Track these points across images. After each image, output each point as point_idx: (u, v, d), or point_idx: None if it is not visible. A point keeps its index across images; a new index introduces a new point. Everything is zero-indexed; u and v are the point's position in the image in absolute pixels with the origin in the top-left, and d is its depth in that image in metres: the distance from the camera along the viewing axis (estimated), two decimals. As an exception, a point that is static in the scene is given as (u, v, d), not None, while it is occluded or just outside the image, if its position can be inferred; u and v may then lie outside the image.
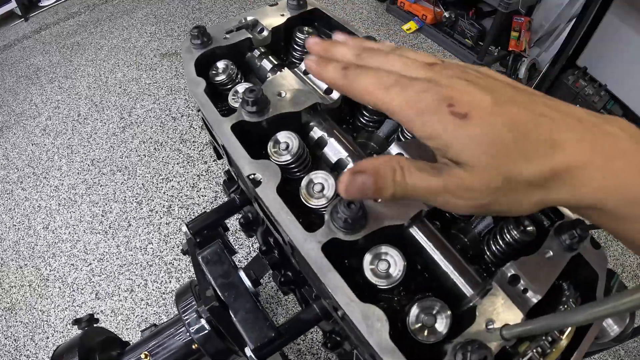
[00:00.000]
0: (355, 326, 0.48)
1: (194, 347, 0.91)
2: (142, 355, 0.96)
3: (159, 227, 2.67)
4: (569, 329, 0.52)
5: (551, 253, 0.55)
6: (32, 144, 3.18)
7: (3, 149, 3.17)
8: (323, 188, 0.59)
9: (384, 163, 0.42)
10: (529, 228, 0.60)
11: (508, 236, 0.59)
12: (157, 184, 2.89)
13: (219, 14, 4.20)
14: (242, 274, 0.77)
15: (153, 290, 2.43)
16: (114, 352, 1.06)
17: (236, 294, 0.75)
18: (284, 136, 0.63)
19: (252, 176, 0.58)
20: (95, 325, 1.16)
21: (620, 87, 3.30)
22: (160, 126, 3.23)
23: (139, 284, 2.46)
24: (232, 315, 0.74)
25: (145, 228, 2.68)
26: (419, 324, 0.51)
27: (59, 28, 4.21)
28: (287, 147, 0.62)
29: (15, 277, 2.55)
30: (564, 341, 0.51)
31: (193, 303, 0.88)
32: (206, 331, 0.84)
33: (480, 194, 0.39)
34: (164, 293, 2.41)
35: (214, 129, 0.64)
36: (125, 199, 2.82)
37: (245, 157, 0.60)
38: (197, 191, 2.84)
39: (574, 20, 3.24)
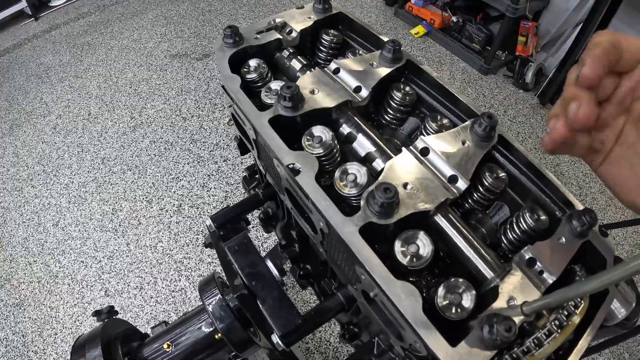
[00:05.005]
0: (389, 304, 0.52)
1: (216, 336, 0.94)
2: (165, 345, 0.99)
3: (169, 226, 2.70)
4: (582, 305, 0.56)
5: (564, 239, 0.60)
6: (43, 142, 3.22)
7: (13, 147, 3.21)
8: (356, 178, 0.63)
9: None
10: (542, 217, 0.64)
11: (524, 225, 0.64)
12: (167, 183, 2.92)
13: (228, 16, 4.24)
14: (269, 263, 0.80)
15: (162, 288, 2.45)
16: (134, 343, 1.09)
17: (264, 283, 0.78)
18: (318, 130, 0.67)
19: (292, 165, 0.61)
20: (114, 317, 1.19)
21: (627, 92, 3.33)
22: (170, 126, 3.27)
23: (148, 281, 2.48)
24: (260, 304, 0.78)
25: (155, 226, 2.71)
26: (447, 302, 0.56)
27: (69, 28, 4.25)
28: (321, 140, 0.66)
29: (25, 274, 2.57)
30: (577, 316, 0.56)
31: (217, 293, 0.91)
32: (230, 320, 0.87)
33: None
34: (173, 291, 2.44)
35: (253, 122, 0.67)
36: (135, 198, 2.85)
37: (284, 148, 0.64)
38: (208, 190, 2.87)
39: (581, 25, 3.28)
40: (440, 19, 4.02)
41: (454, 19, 3.97)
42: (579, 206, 0.65)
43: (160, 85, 3.57)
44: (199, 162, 3.03)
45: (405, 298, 0.51)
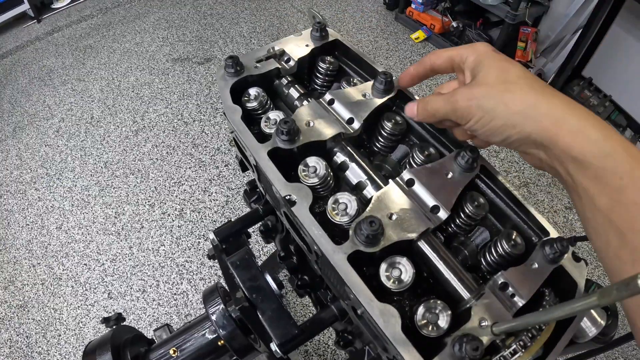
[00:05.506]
0: (373, 321, 0.58)
1: (219, 343, 1.00)
2: (171, 351, 1.05)
3: (171, 230, 2.76)
4: (546, 328, 0.62)
5: (536, 265, 0.66)
6: (46, 145, 3.27)
7: (16, 149, 3.26)
8: (347, 207, 0.69)
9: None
10: (518, 243, 0.70)
11: (500, 249, 0.69)
12: (169, 187, 2.98)
13: (230, 20, 4.29)
14: (268, 278, 0.87)
15: (165, 291, 2.51)
16: (142, 348, 1.15)
17: (263, 296, 0.85)
18: (312, 161, 0.73)
19: (288, 197, 0.67)
20: (122, 323, 1.25)
21: (625, 98, 3.37)
22: (172, 130, 3.32)
23: (150, 284, 2.54)
24: (260, 315, 0.84)
25: (157, 230, 2.76)
26: (425, 321, 0.62)
27: (71, 30, 4.29)
28: (315, 170, 0.72)
29: (28, 276, 2.63)
30: (542, 337, 0.62)
31: (220, 303, 0.97)
32: (233, 328, 0.93)
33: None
34: (175, 294, 2.49)
35: (252, 154, 0.73)
36: (137, 202, 2.91)
37: (282, 180, 0.69)
38: (209, 195, 2.92)
39: (580, 31, 3.32)
40: (440, 24, 4.06)
41: (454, 24, 4.01)
42: (554, 233, 0.70)
43: (162, 89, 3.62)
44: (200, 166, 3.08)
45: (386, 319, 0.57)
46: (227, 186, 2.96)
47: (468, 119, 0.62)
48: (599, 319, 0.77)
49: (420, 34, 4.14)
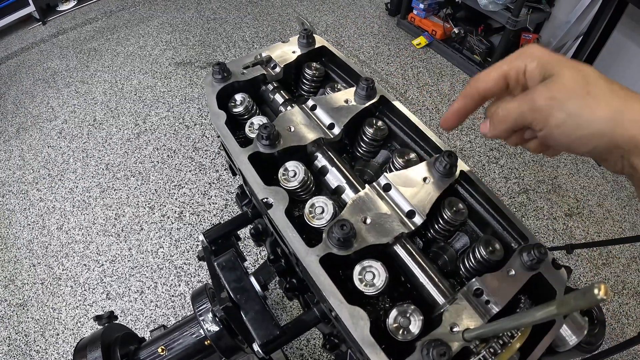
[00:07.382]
0: (344, 324, 0.59)
1: (206, 343, 1.02)
2: (159, 350, 1.07)
3: (170, 232, 2.77)
4: (519, 335, 0.63)
5: (513, 271, 0.66)
6: (48, 146, 3.29)
7: (19, 150, 3.28)
8: (323, 211, 0.70)
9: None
10: (496, 250, 0.70)
11: (478, 256, 0.70)
12: (170, 190, 2.99)
13: (233, 25, 4.32)
14: (252, 280, 0.88)
15: (162, 292, 2.52)
16: (132, 346, 1.17)
17: (247, 297, 0.86)
18: (292, 165, 0.75)
19: (265, 200, 0.69)
20: (114, 322, 1.27)
21: (627, 104, 3.36)
22: (173, 134, 3.34)
23: (149, 286, 2.55)
24: (243, 315, 0.86)
25: (156, 232, 2.78)
26: (396, 325, 0.63)
27: (76, 33, 4.32)
28: (295, 174, 0.74)
29: (28, 275, 2.64)
30: (513, 345, 0.62)
31: (207, 304, 0.98)
32: (219, 329, 0.94)
33: None
34: (173, 295, 2.50)
35: (233, 158, 0.75)
36: (138, 204, 2.92)
37: (260, 183, 0.71)
38: (208, 198, 2.94)
39: (582, 37, 3.33)
40: (442, 30, 4.08)
41: (456, 30, 4.02)
42: (533, 240, 0.71)
43: (164, 92, 3.65)
44: (200, 170, 3.10)
45: (355, 321, 0.58)
46: (227, 190, 2.97)
47: (546, 122, 0.56)
48: (580, 326, 0.76)
49: (421, 40, 4.16)
